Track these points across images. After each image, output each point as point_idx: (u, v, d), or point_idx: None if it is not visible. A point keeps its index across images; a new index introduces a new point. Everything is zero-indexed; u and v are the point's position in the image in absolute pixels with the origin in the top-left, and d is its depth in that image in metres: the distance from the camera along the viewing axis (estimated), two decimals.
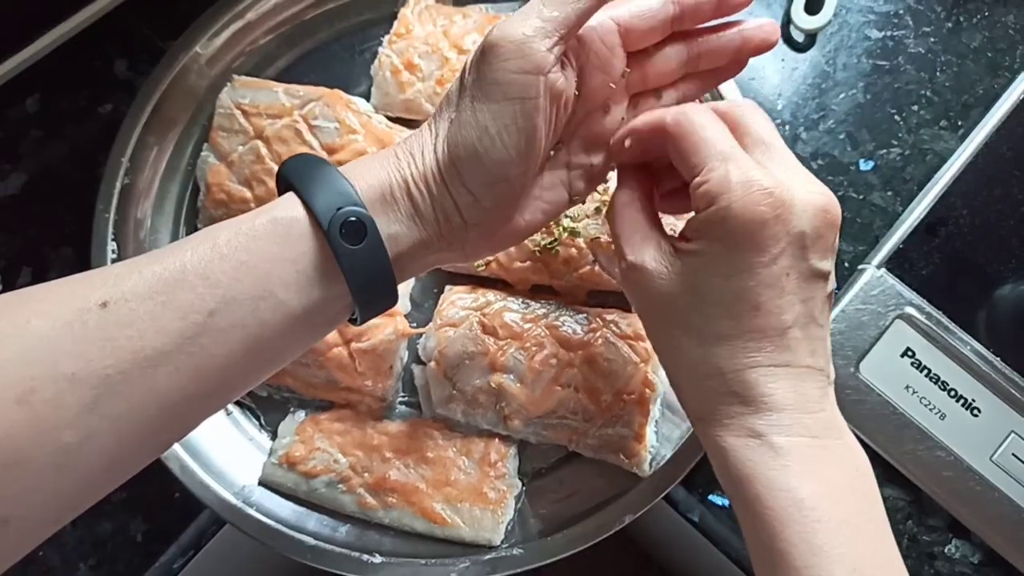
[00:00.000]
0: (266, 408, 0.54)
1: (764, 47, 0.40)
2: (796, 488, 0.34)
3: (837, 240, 0.37)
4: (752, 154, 0.36)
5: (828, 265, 0.37)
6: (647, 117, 0.39)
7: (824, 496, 0.34)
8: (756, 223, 0.34)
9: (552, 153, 0.40)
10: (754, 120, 0.37)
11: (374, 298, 0.37)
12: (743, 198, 0.34)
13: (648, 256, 0.38)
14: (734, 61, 0.41)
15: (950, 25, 0.61)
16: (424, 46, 0.57)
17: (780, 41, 0.61)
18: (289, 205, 0.36)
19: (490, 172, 0.36)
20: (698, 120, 0.37)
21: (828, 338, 0.38)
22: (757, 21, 0.40)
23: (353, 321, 0.39)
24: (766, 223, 0.34)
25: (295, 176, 0.36)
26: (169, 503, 0.54)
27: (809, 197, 0.35)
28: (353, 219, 0.35)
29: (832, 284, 0.38)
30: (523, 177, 0.38)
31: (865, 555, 0.34)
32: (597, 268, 0.53)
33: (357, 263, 0.35)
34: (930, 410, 0.53)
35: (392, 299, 0.38)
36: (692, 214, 0.37)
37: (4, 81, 0.56)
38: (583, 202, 0.42)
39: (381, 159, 0.38)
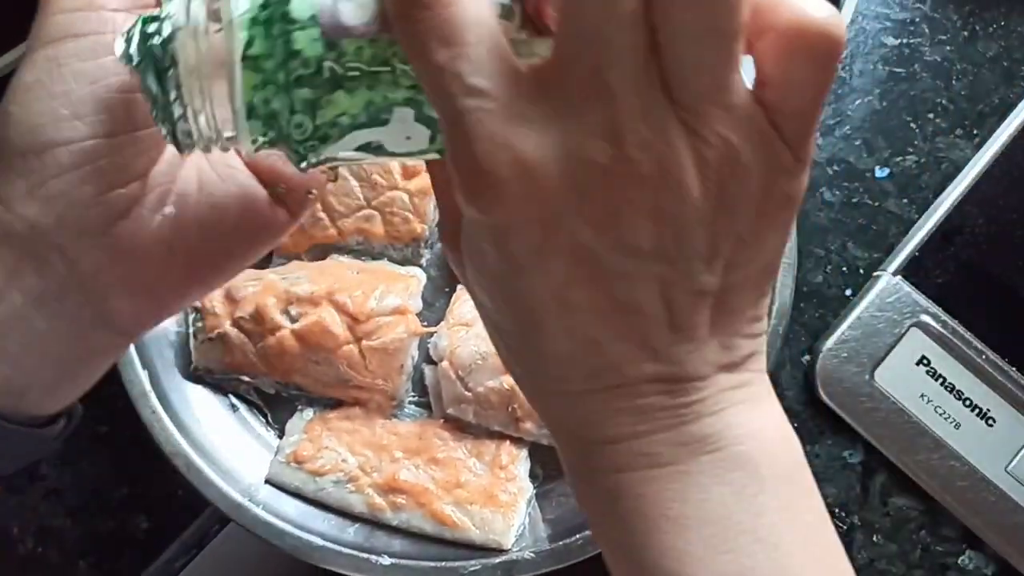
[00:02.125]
0: (273, 405, 0.54)
1: None
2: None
3: None
4: None
5: None
6: None
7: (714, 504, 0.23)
8: None
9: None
10: None
11: None
12: None
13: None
14: None
15: (966, 34, 0.61)
16: None
17: None
18: None
19: (31, 137, 0.26)
20: None
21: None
22: None
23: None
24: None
25: None
26: (172, 500, 0.53)
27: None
28: None
29: None
30: (95, 152, 0.27)
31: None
32: None
33: None
34: (945, 419, 0.52)
35: None
36: None
37: None
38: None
39: None
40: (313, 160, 0.24)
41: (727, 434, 0.23)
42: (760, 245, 0.22)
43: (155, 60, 0.22)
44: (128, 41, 0.23)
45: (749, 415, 0.24)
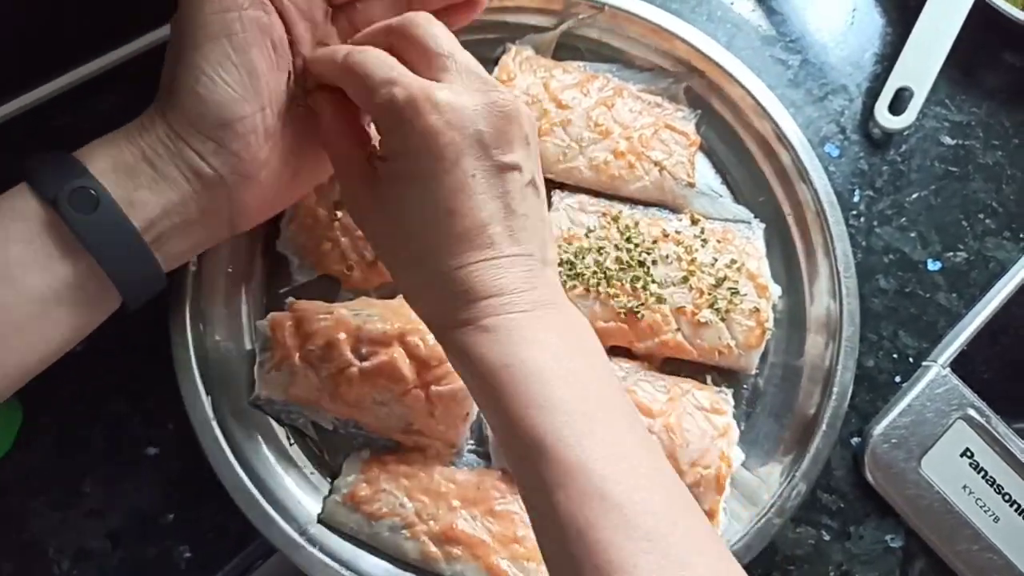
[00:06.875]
0: (328, 443, 0.53)
1: None
2: (509, 355, 0.37)
3: (526, 131, 0.40)
4: (426, 68, 0.39)
5: (516, 157, 0.39)
6: (319, 54, 0.42)
7: (534, 358, 0.37)
8: (430, 134, 0.37)
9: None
10: (426, 34, 0.39)
11: (129, 270, 0.39)
12: (413, 115, 0.37)
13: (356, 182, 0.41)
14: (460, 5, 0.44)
15: (1016, 141, 0.64)
16: (524, 96, 0.57)
17: (860, 136, 0.63)
18: (18, 190, 0.37)
19: (219, 113, 0.39)
20: (360, 55, 0.39)
21: (538, 223, 0.40)
22: None
23: (125, 307, 0.40)
24: (439, 132, 0.37)
25: (26, 164, 0.38)
26: (218, 532, 0.51)
27: (479, 98, 0.38)
28: (80, 187, 0.37)
29: (530, 173, 0.40)
30: (261, 116, 0.40)
31: (582, 397, 0.37)
32: (680, 337, 0.54)
33: (96, 231, 0.37)
34: (985, 512, 0.54)
35: (154, 274, 0.40)
36: None
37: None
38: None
39: (113, 134, 0.40)
40: None
41: (558, 299, 0.40)
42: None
43: None
44: None
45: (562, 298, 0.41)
